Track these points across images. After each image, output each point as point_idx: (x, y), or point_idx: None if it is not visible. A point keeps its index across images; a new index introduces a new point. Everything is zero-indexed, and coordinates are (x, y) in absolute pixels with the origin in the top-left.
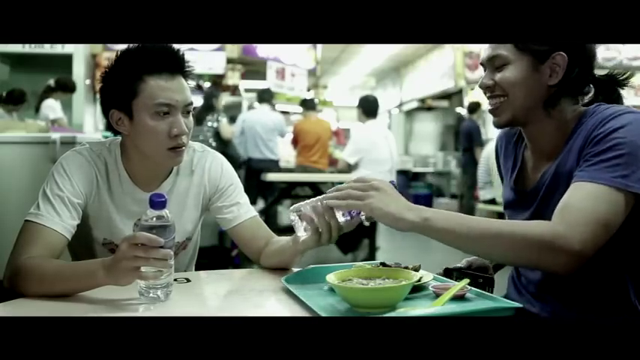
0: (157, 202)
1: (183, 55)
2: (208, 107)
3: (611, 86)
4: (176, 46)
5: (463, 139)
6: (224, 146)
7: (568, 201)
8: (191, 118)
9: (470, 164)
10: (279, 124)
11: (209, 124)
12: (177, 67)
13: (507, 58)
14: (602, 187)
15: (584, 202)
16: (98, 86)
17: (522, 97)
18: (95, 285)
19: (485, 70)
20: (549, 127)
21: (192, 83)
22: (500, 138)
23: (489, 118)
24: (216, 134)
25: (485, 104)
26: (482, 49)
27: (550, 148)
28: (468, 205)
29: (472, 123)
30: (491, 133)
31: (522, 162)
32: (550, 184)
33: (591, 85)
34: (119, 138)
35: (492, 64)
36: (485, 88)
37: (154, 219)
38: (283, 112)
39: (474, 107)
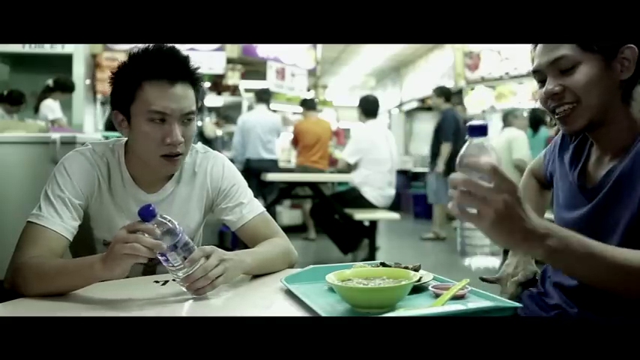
0: (146, 214)
1: (188, 61)
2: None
3: None
4: (181, 48)
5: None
6: (208, 145)
7: None
8: (192, 126)
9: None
10: (277, 124)
11: None
12: (179, 74)
13: (575, 59)
14: None
15: None
16: (100, 88)
17: (597, 98)
18: (93, 279)
19: (540, 81)
20: (621, 124)
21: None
22: (563, 142)
23: (479, 118)
24: (200, 133)
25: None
26: (536, 54)
27: (618, 146)
28: None
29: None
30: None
31: (586, 158)
32: (614, 184)
33: None
34: (123, 139)
35: (556, 67)
36: (553, 96)
37: (155, 226)
38: (277, 112)
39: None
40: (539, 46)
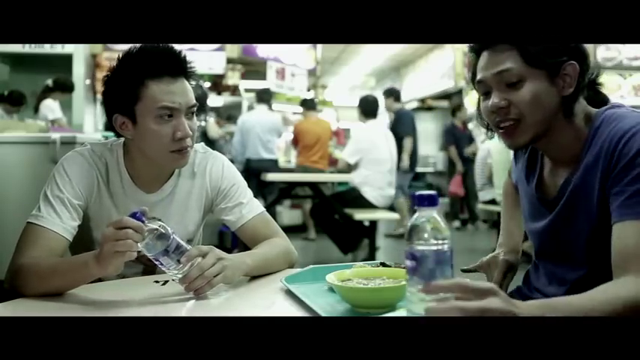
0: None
1: (184, 57)
2: (198, 107)
3: (590, 87)
4: (177, 47)
5: (442, 140)
6: (211, 146)
7: (629, 248)
8: (195, 120)
9: (450, 163)
10: (277, 124)
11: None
12: (179, 69)
13: (520, 74)
14: None
15: None
16: (100, 88)
17: (540, 115)
18: (89, 276)
19: (484, 93)
20: (566, 136)
21: (194, 84)
22: None
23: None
24: (203, 134)
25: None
26: (481, 66)
27: (567, 156)
28: (451, 202)
29: (449, 124)
30: (483, 134)
31: (541, 168)
32: (570, 197)
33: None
34: (121, 139)
35: (501, 80)
36: (498, 109)
37: (149, 234)
38: (278, 112)
39: (455, 109)
40: (484, 57)
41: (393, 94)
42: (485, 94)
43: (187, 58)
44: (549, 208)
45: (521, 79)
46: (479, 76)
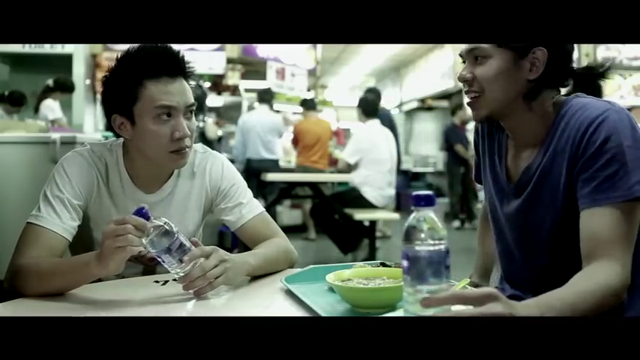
0: (139, 217)
1: (183, 56)
2: (197, 107)
3: (591, 79)
4: (176, 46)
5: (444, 140)
6: (209, 146)
7: (600, 234)
8: (194, 120)
9: (450, 163)
10: (278, 124)
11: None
12: (177, 69)
13: (487, 51)
14: (621, 205)
15: (616, 230)
16: (99, 89)
17: (500, 92)
18: (90, 276)
19: (464, 62)
20: (529, 119)
21: (193, 83)
22: (483, 124)
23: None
24: (202, 134)
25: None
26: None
27: (531, 139)
28: (450, 203)
29: (449, 124)
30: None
31: (506, 151)
32: (536, 184)
33: (570, 79)
34: (121, 139)
35: (472, 56)
36: (464, 81)
37: (152, 229)
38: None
39: (455, 109)
40: None
41: (372, 93)
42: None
43: (186, 58)
44: (514, 192)
45: (488, 56)
46: (459, 51)
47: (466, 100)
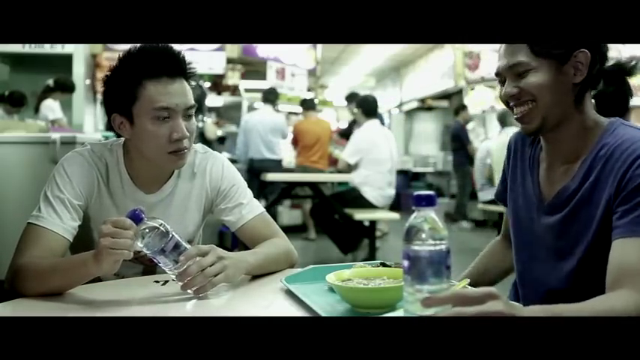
0: (132, 219)
1: (183, 57)
2: (197, 107)
3: (620, 76)
4: (176, 47)
5: (452, 140)
6: (208, 146)
7: (629, 264)
8: (193, 121)
9: (461, 164)
10: (280, 124)
11: None
12: (177, 70)
13: (529, 65)
14: None
15: None
16: (99, 89)
17: (551, 99)
18: (88, 275)
19: (501, 82)
20: (575, 131)
21: (194, 84)
22: (517, 139)
23: (479, 118)
24: (201, 134)
25: (478, 106)
26: (499, 59)
27: (570, 153)
28: (459, 204)
29: (457, 124)
30: (483, 134)
31: (537, 165)
32: (575, 206)
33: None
34: (121, 139)
35: (513, 72)
36: (510, 97)
37: (148, 231)
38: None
39: (458, 109)
40: (501, 50)
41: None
42: (502, 82)
43: (187, 59)
44: (548, 212)
45: (530, 69)
46: (496, 69)
47: (515, 115)
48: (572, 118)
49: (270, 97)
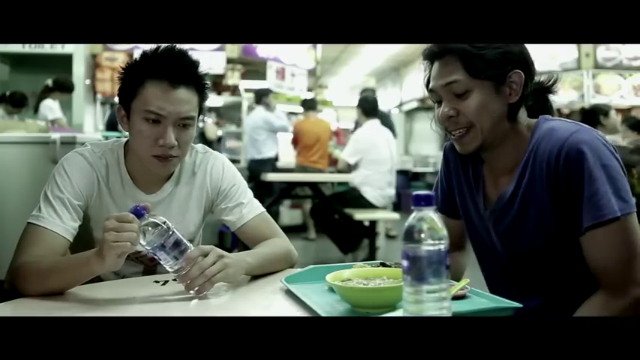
0: (134, 215)
1: (195, 67)
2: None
3: (543, 94)
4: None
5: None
6: (208, 146)
7: (606, 254)
8: (189, 131)
9: None
10: (267, 121)
11: None
12: (182, 77)
13: (467, 86)
14: (618, 221)
15: (620, 247)
16: (98, 86)
17: (489, 122)
18: (90, 273)
19: (436, 101)
20: (510, 144)
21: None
22: (452, 149)
23: None
24: (201, 135)
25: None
26: (432, 75)
27: (509, 163)
28: None
29: None
30: None
31: (483, 180)
32: (520, 209)
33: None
34: (123, 139)
35: (449, 92)
36: (448, 119)
37: (149, 227)
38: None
39: None
40: (435, 67)
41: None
42: (438, 102)
43: (199, 69)
44: (493, 220)
45: (468, 90)
46: (430, 85)
47: (453, 136)
48: (508, 134)
49: (261, 97)
